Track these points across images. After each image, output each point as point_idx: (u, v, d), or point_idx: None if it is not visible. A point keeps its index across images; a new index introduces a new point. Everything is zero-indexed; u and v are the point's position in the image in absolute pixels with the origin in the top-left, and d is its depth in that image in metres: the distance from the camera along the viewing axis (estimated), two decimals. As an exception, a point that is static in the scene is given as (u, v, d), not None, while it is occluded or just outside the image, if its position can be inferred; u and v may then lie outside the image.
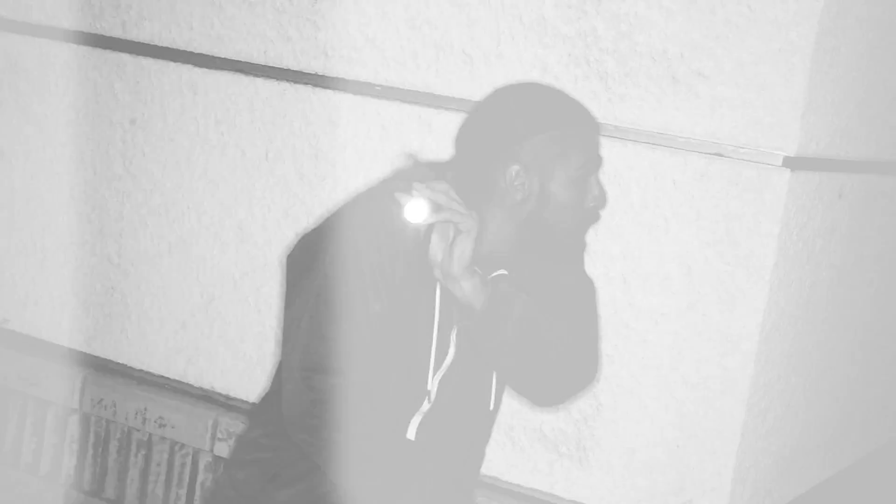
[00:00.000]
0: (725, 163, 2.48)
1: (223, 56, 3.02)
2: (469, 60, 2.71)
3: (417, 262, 2.02)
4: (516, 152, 2.00)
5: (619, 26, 2.56)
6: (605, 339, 2.62)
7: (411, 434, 2.12)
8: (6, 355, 3.34)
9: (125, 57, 3.15)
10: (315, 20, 2.90)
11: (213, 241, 3.05)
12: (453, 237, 1.97)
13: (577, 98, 2.08)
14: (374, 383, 2.03)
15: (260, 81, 2.98)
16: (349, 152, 2.87)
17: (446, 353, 2.11)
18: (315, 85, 2.90)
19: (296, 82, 2.93)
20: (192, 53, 3.06)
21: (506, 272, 2.10)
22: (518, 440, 2.71)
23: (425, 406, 2.12)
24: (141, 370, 3.17)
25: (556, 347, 2.06)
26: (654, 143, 2.53)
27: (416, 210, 1.94)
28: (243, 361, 3.04)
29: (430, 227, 1.99)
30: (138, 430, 3.15)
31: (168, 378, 3.14)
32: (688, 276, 2.53)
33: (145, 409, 3.13)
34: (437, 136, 2.74)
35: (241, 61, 3.00)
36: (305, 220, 2.85)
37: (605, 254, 2.60)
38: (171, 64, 3.09)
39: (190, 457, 3.09)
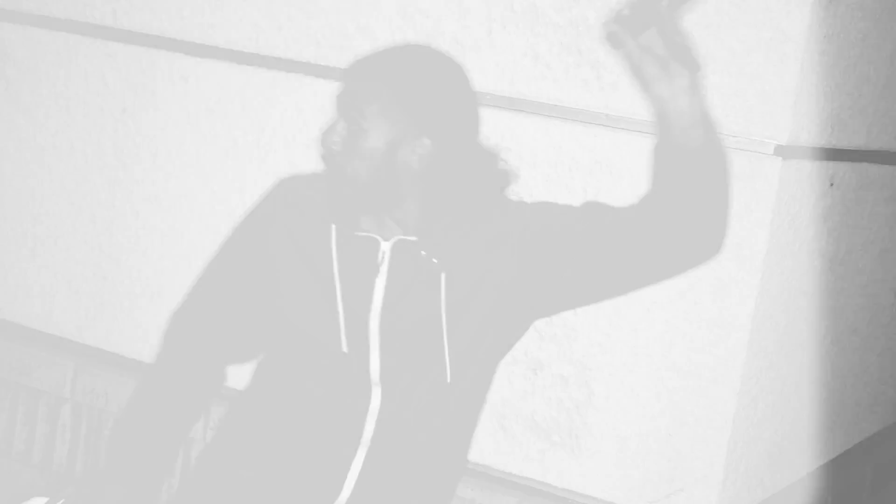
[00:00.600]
0: (717, 151, 2.48)
1: (214, 45, 3.01)
2: (461, 49, 2.70)
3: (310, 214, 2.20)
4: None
5: (611, 14, 2.55)
6: (595, 328, 2.62)
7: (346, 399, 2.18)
8: (-3, 345, 3.34)
9: (116, 46, 3.14)
10: (306, 8, 2.90)
11: (204, 230, 3.05)
12: None
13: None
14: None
15: (251, 70, 2.97)
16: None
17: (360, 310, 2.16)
18: (306, 73, 2.90)
19: (287, 71, 2.92)
20: (183, 42, 3.05)
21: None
22: (510, 429, 2.72)
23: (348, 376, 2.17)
24: (133, 359, 3.17)
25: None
26: (645, 132, 2.53)
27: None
28: (235, 350, 3.04)
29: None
30: (130, 420, 3.15)
31: (160, 367, 3.14)
32: (679, 265, 2.53)
33: (137, 399, 3.13)
34: (428, 125, 2.73)
35: (232, 50, 2.99)
36: (297, 209, 2.85)
37: (596, 242, 2.60)
38: (162, 52, 3.08)
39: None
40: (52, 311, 3.29)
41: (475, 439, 2.69)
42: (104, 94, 3.18)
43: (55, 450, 3.28)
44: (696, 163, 2.04)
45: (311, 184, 2.25)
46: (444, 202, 2.17)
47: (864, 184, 2.92)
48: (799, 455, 2.95)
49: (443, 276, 2.15)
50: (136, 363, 3.17)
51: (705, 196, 2.07)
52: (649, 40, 1.99)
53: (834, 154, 2.69)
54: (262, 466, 2.22)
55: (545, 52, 2.63)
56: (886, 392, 3.51)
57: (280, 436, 2.22)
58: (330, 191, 2.17)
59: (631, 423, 2.61)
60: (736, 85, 2.46)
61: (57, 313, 3.28)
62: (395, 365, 2.16)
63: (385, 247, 2.16)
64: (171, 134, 3.09)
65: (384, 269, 2.16)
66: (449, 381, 2.16)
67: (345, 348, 2.15)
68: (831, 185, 2.72)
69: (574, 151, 2.62)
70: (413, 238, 2.16)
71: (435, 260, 2.15)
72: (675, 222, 2.09)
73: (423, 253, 2.15)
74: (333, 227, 2.18)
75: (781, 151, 2.44)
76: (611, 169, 2.58)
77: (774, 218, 2.48)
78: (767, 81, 2.44)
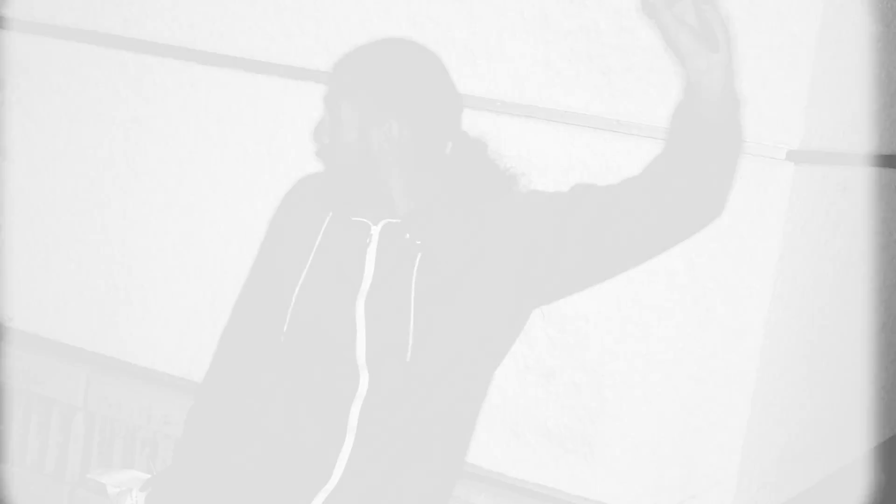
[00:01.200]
0: (729, 157, 2.47)
1: (225, 53, 3.02)
2: (471, 56, 2.70)
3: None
4: None
5: (621, 21, 2.55)
6: (608, 335, 2.62)
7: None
8: (10, 354, 3.34)
9: (127, 55, 3.15)
10: (317, 16, 2.90)
11: (216, 238, 3.05)
12: None
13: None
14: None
15: (262, 78, 2.97)
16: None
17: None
18: (317, 81, 2.89)
19: (298, 79, 2.92)
20: (193, 51, 3.05)
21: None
22: (523, 436, 2.71)
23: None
24: (145, 368, 3.17)
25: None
26: (656, 138, 2.53)
27: None
28: (247, 359, 3.04)
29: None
30: (143, 428, 3.15)
31: (173, 375, 3.14)
32: (692, 271, 2.53)
33: (150, 407, 3.13)
34: (439, 132, 2.73)
35: (242, 58, 2.99)
36: (308, 217, 2.85)
37: (608, 249, 2.60)
38: (173, 61, 3.09)
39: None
40: (65, 320, 3.30)
41: (488, 446, 2.69)
42: (115, 103, 3.18)
43: (68, 459, 3.28)
44: (714, 135, 2.09)
45: (318, 178, 2.36)
46: (427, 185, 2.24)
47: (876, 188, 2.91)
48: (813, 460, 2.94)
49: (418, 256, 2.18)
50: (148, 372, 3.17)
51: (716, 161, 2.11)
52: (684, 11, 2.00)
53: (846, 158, 2.68)
54: (251, 453, 2.23)
55: (556, 58, 2.63)
56: (901, 396, 3.49)
57: (269, 422, 2.24)
58: (326, 182, 2.30)
59: (644, 429, 2.60)
60: (748, 90, 2.45)
61: (70, 322, 3.29)
62: (379, 349, 2.17)
63: (374, 230, 2.21)
64: (182, 142, 3.09)
65: (371, 251, 2.20)
66: (408, 359, 2.18)
67: (285, 328, 2.25)
68: (844, 189, 2.71)
69: (585, 157, 2.61)
70: (397, 220, 2.22)
71: (418, 242, 2.19)
72: (682, 183, 2.12)
73: (406, 235, 2.21)
74: (329, 214, 2.26)
75: (794, 156, 2.44)
76: (622, 174, 2.57)
77: (787, 223, 2.47)
78: (779, 86, 2.43)
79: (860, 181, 2.80)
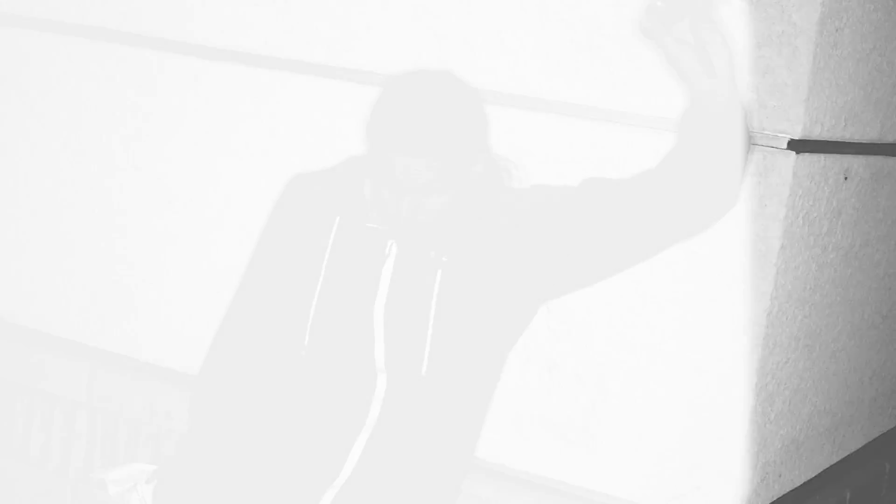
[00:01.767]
0: (730, 147, 2.47)
1: (224, 47, 3.01)
2: (471, 49, 2.70)
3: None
4: None
5: (622, 11, 2.55)
6: (610, 327, 2.61)
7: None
8: (12, 350, 3.35)
9: (127, 50, 3.15)
10: (315, 10, 2.89)
11: (217, 232, 3.05)
12: None
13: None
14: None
15: (262, 72, 2.97)
16: (352, 142, 2.86)
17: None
18: (316, 74, 2.89)
19: (297, 72, 2.92)
20: (193, 45, 3.05)
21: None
22: (525, 428, 2.71)
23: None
24: (148, 363, 3.17)
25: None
26: (657, 129, 2.52)
27: None
28: (250, 353, 3.04)
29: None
30: (146, 424, 3.15)
31: (176, 371, 3.14)
32: (694, 262, 2.52)
33: (153, 403, 3.13)
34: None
35: (242, 52, 2.99)
36: (309, 211, 2.85)
37: (610, 240, 2.59)
38: (173, 56, 3.08)
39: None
40: (68, 315, 3.30)
41: (490, 438, 2.69)
42: (116, 97, 3.18)
43: (71, 455, 3.28)
44: (722, 138, 2.09)
45: (319, 180, 2.31)
46: (448, 198, 2.19)
47: (878, 176, 2.91)
48: (817, 451, 2.94)
49: (439, 272, 2.17)
50: (152, 367, 3.17)
51: (725, 158, 2.12)
52: (683, 32, 2.00)
53: (848, 147, 2.68)
54: (263, 448, 2.23)
55: (556, 49, 2.63)
56: (904, 386, 3.49)
57: (283, 420, 2.24)
58: (332, 184, 2.26)
59: (647, 420, 2.60)
60: (748, 79, 2.45)
61: (72, 318, 3.29)
62: (398, 354, 2.17)
63: (391, 245, 2.18)
64: (183, 137, 3.09)
65: (391, 260, 2.18)
66: (424, 373, 2.18)
67: (306, 341, 2.22)
68: (845, 178, 2.71)
69: (586, 149, 2.61)
70: (418, 231, 2.19)
71: (434, 254, 2.17)
72: (695, 179, 2.13)
73: (431, 253, 2.18)
74: (337, 219, 2.22)
75: (795, 145, 2.43)
76: (624, 166, 2.57)
77: (788, 212, 2.47)
78: (780, 75, 2.43)
79: (861, 170, 2.79)
